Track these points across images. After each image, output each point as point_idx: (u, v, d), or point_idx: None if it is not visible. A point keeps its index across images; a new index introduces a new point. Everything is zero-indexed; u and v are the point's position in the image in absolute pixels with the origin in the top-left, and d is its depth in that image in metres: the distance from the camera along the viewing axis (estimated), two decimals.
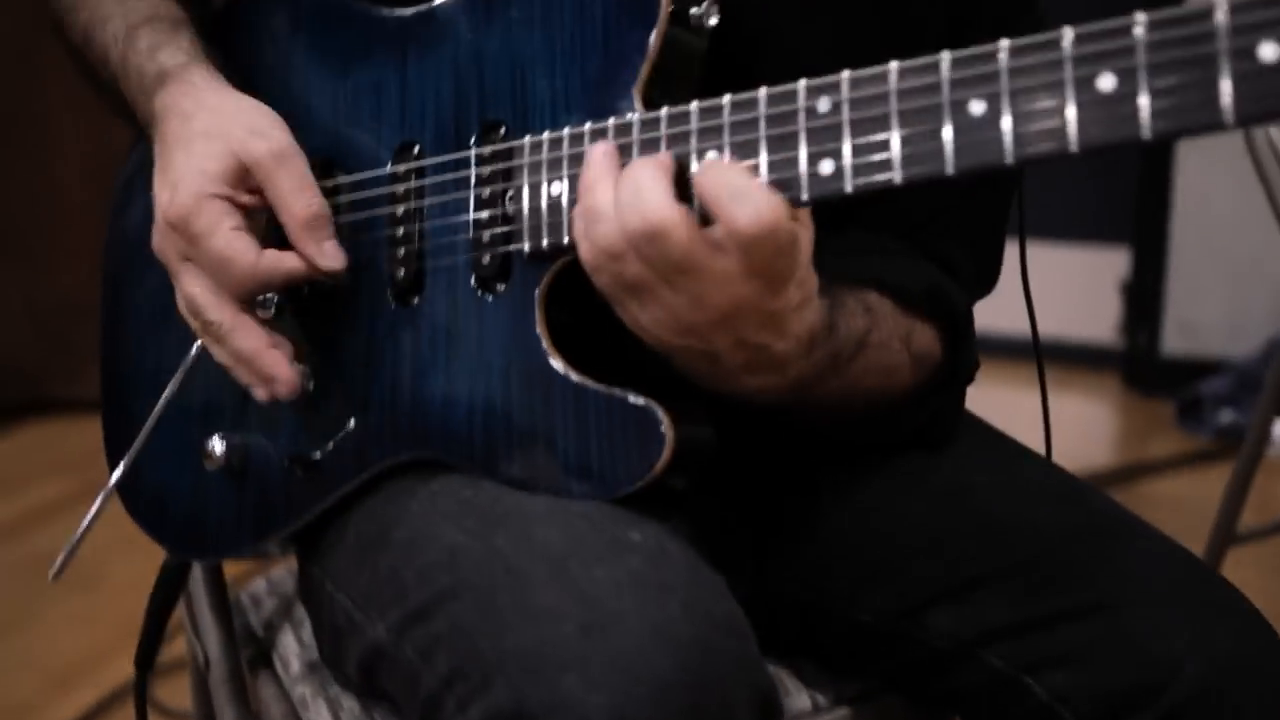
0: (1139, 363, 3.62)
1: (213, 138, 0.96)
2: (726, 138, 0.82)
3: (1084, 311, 3.68)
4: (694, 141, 0.83)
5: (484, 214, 0.94)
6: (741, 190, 0.78)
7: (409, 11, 1.01)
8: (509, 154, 0.93)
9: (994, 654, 0.97)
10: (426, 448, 0.97)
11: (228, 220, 0.95)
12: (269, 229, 0.98)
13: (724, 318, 0.83)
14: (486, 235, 0.94)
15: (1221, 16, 0.66)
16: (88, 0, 1.10)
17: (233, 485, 1.06)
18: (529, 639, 0.79)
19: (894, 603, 1.01)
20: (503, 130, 0.95)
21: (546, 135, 0.91)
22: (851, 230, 1.04)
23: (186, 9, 1.09)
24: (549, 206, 0.90)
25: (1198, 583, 0.97)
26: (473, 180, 0.95)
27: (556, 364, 0.91)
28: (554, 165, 0.90)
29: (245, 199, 0.96)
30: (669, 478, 0.87)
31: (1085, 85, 0.69)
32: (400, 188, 0.99)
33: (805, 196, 0.79)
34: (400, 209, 0.99)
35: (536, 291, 0.92)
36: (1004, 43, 0.72)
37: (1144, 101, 0.68)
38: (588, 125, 0.88)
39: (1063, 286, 3.51)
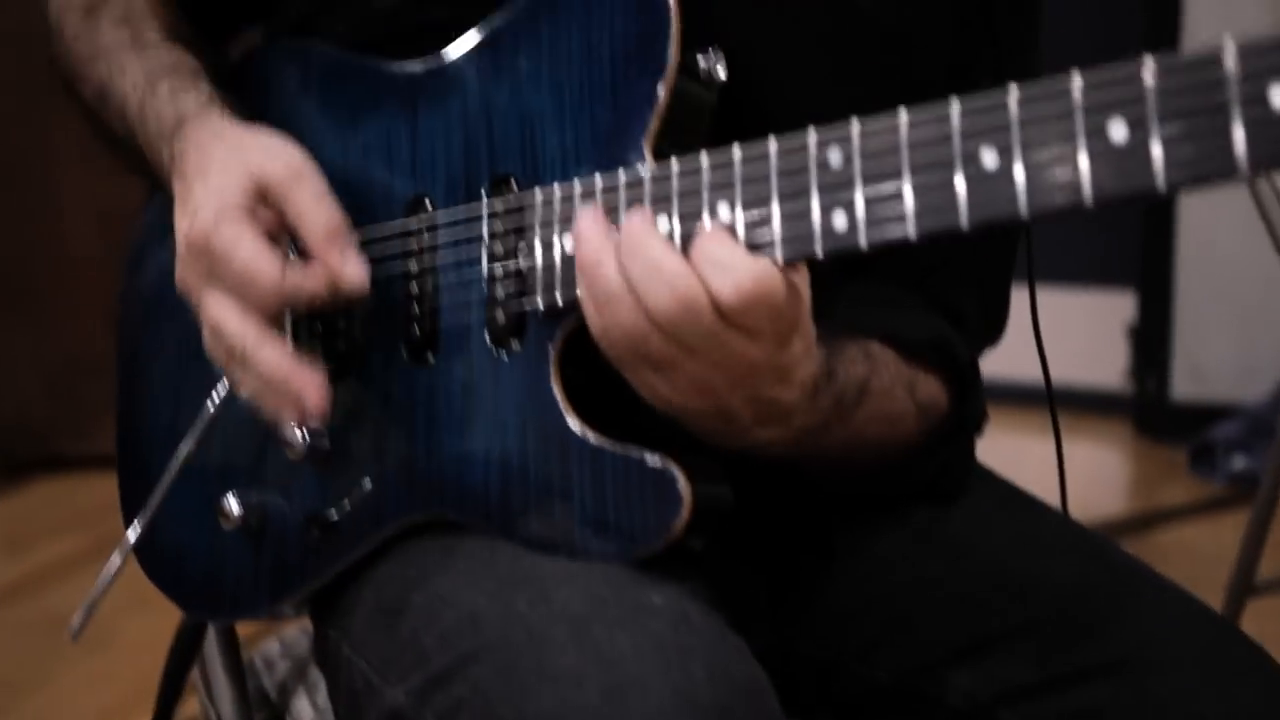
0: (1149, 408, 3.61)
1: (230, 164, 0.96)
2: (738, 191, 0.81)
3: (1091, 357, 3.67)
4: (705, 195, 0.83)
5: (497, 269, 0.94)
6: (721, 261, 0.79)
7: (419, 66, 1.01)
8: (520, 208, 0.93)
9: (1012, 713, 0.96)
10: (443, 507, 0.97)
11: (249, 235, 0.94)
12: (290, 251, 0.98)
13: (740, 379, 0.83)
14: (500, 291, 0.94)
15: (1231, 62, 0.65)
16: (105, 52, 1.11)
17: (249, 545, 1.06)
18: (551, 703, 0.78)
19: (910, 661, 1.01)
20: (513, 184, 0.95)
21: (557, 189, 0.91)
22: (856, 281, 1.04)
23: (203, 61, 1.10)
24: (561, 261, 0.90)
25: (1219, 640, 0.96)
26: (484, 235, 0.95)
27: (573, 423, 0.90)
28: (565, 219, 0.90)
29: (265, 216, 0.96)
30: (687, 538, 0.87)
31: (1097, 135, 0.69)
32: (413, 243, 0.99)
33: (819, 251, 0.79)
34: (413, 265, 0.99)
35: (551, 349, 0.91)
36: (1013, 91, 0.72)
37: (1157, 151, 0.67)
38: (598, 178, 0.88)
39: (1069, 331, 3.50)
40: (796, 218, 0.79)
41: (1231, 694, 0.91)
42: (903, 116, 0.76)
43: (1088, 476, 3.29)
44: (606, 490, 0.89)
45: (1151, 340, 3.60)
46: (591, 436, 0.90)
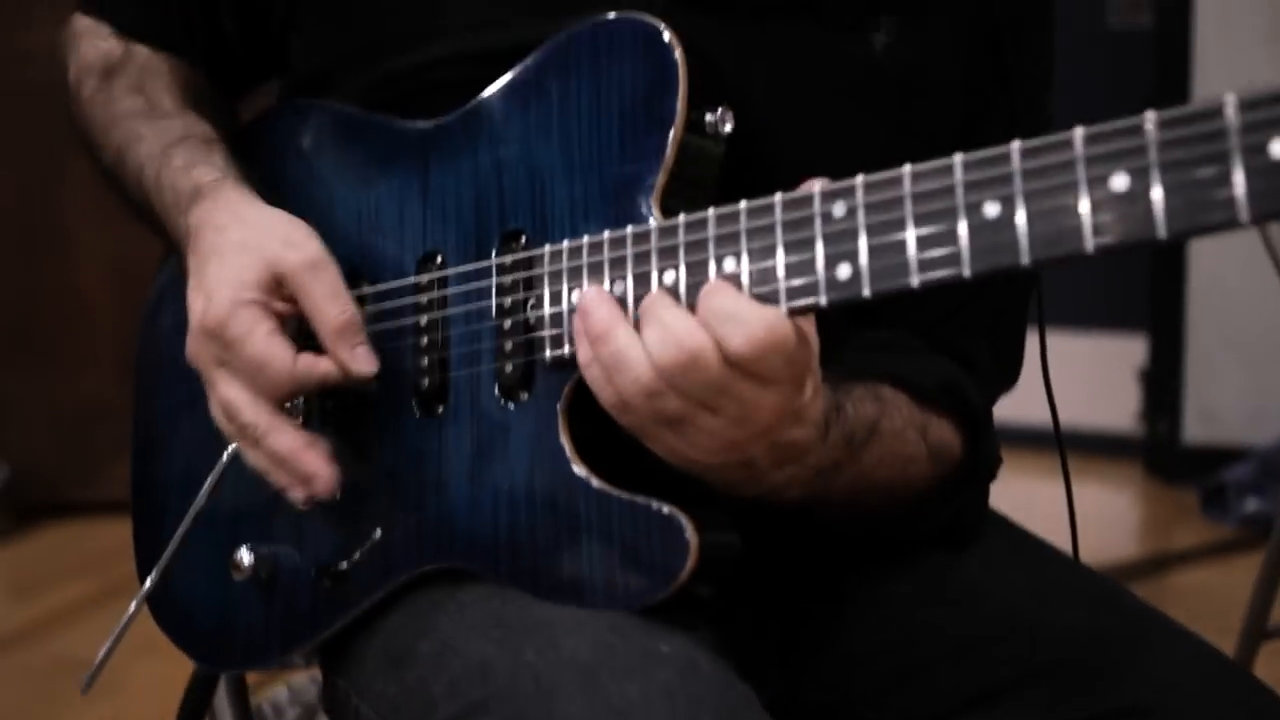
0: (1160, 451, 3.60)
1: (247, 249, 0.97)
2: (744, 244, 0.82)
3: (1103, 400, 3.67)
4: (712, 249, 0.84)
5: (506, 322, 0.95)
6: (730, 313, 0.80)
7: (429, 123, 1.03)
8: (529, 263, 0.94)
9: None
10: (452, 557, 0.97)
11: (263, 324, 0.96)
12: (300, 338, 0.99)
13: (761, 429, 0.84)
14: (509, 344, 0.94)
15: (1232, 113, 0.66)
16: (121, 120, 1.12)
17: (260, 596, 1.06)
18: None
19: (922, 708, 1.01)
20: (523, 239, 0.96)
21: (566, 244, 0.92)
22: (866, 328, 1.05)
23: (216, 126, 1.11)
24: (569, 314, 0.90)
25: (1233, 687, 0.96)
26: (494, 290, 0.96)
27: (581, 472, 0.91)
28: (574, 274, 0.91)
29: (279, 307, 0.97)
30: (695, 586, 0.87)
31: (1099, 185, 0.70)
32: (424, 297, 1.00)
33: (824, 301, 0.80)
34: (424, 319, 1.00)
35: (559, 400, 0.92)
36: (1016, 144, 0.73)
37: (1158, 201, 0.68)
38: (606, 234, 0.89)
39: (1080, 375, 3.50)
40: (801, 269, 0.80)
41: None
42: (906, 169, 0.77)
43: (1099, 519, 3.28)
44: (614, 538, 0.89)
45: (1162, 383, 3.60)
46: (598, 484, 0.90)
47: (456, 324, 0.98)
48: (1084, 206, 0.70)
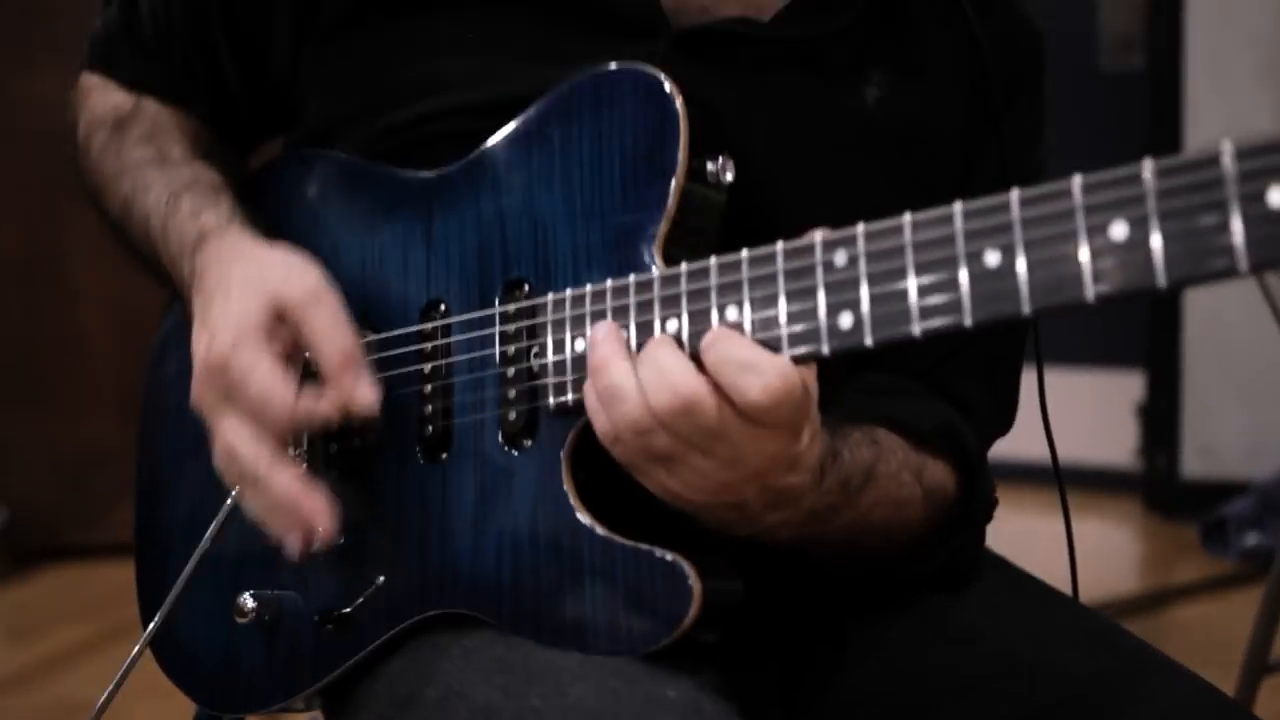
0: (1159, 486, 3.60)
1: (249, 283, 0.97)
2: (746, 293, 0.83)
3: (1101, 435, 3.67)
4: (714, 297, 0.84)
5: (510, 370, 0.95)
6: (748, 362, 0.80)
7: (432, 173, 1.03)
8: (533, 311, 0.94)
9: None
10: (456, 603, 0.97)
11: (265, 361, 0.95)
12: (306, 376, 0.98)
13: (755, 473, 0.84)
14: (512, 392, 0.95)
15: (1229, 162, 0.67)
16: (130, 169, 1.13)
17: (264, 640, 1.06)
18: None
19: None
20: (526, 287, 0.96)
21: (569, 292, 0.92)
22: (863, 371, 1.05)
23: (225, 174, 1.12)
24: (573, 361, 0.91)
25: None
26: (498, 338, 0.96)
27: (584, 519, 0.91)
28: (577, 322, 0.91)
29: (281, 340, 0.97)
30: (698, 632, 0.87)
31: (1098, 234, 0.70)
32: (428, 345, 1.00)
33: (826, 350, 0.80)
34: (428, 366, 1.00)
35: (563, 447, 0.93)
36: (1015, 193, 0.74)
37: (1158, 250, 0.68)
38: (609, 282, 0.90)
39: (1078, 411, 3.50)
40: (803, 317, 0.81)
41: None
42: (906, 218, 0.77)
43: (1099, 555, 3.28)
44: (618, 585, 0.89)
45: (1160, 419, 3.60)
46: (602, 532, 0.90)
47: (460, 371, 0.99)
48: (1084, 255, 0.71)
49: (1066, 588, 1.19)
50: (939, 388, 1.08)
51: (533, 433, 0.94)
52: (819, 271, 0.80)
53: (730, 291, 0.83)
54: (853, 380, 1.04)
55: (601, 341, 0.86)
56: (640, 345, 0.86)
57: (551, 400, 0.92)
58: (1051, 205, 0.72)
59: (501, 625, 0.95)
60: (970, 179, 1.09)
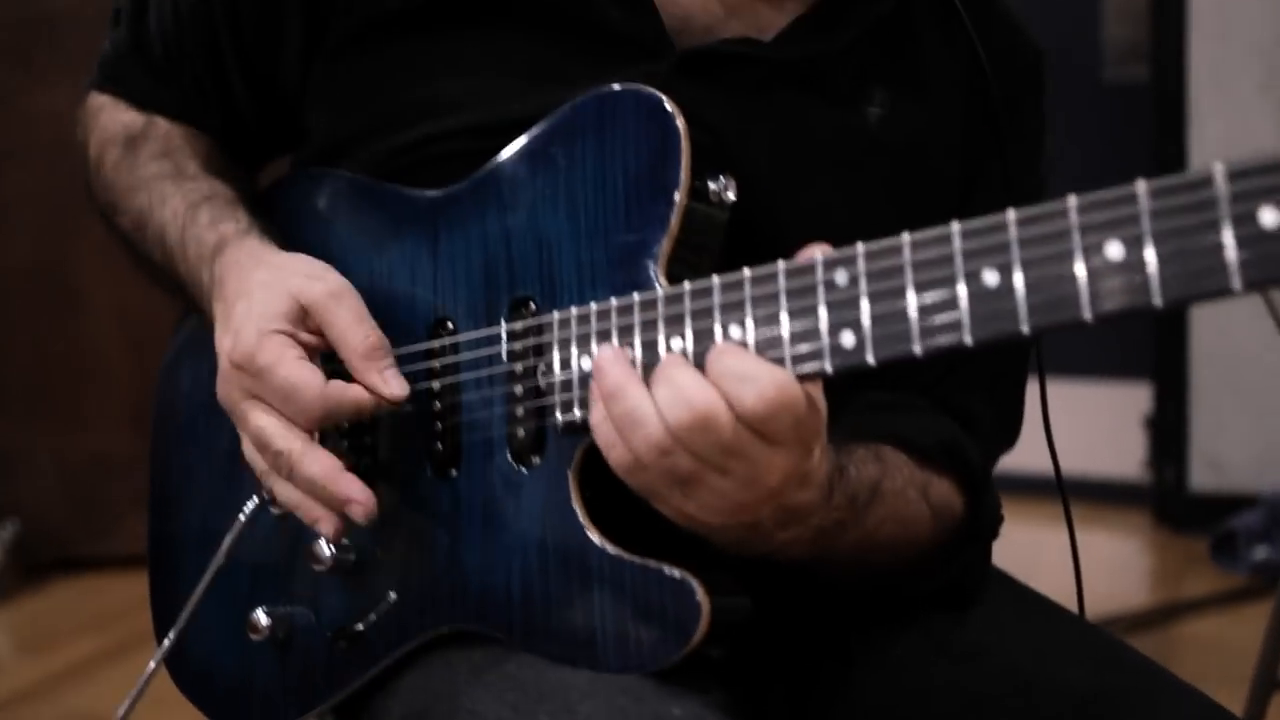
0: (1168, 499, 3.59)
1: (271, 285, 0.99)
2: (749, 311, 0.84)
3: (1109, 448, 3.67)
4: (717, 316, 0.85)
5: (517, 388, 0.96)
6: (742, 372, 0.81)
7: (439, 192, 1.04)
8: (539, 329, 0.95)
9: None
10: (467, 620, 0.98)
11: (291, 351, 0.97)
12: (329, 372, 0.99)
13: (768, 491, 0.85)
14: (520, 409, 0.96)
15: (1221, 183, 0.67)
16: (146, 183, 1.14)
17: (277, 657, 1.07)
18: None
19: None
20: (532, 305, 0.97)
21: (574, 311, 0.93)
22: (866, 387, 1.06)
23: (238, 189, 1.13)
24: (580, 379, 0.92)
25: None
26: (505, 355, 0.97)
27: (593, 536, 0.92)
28: (583, 340, 0.92)
29: (305, 338, 0.98)
30: (706, 648, 0.88)
31: (1095, 253, 0.71)
32: (436, 363, 1.02)
33: (829, 368, 0.81)
34: (436, 384, 1.01)
35: (571, 464, 0.93)
36: (1012, 213, 0.75)
37: (1153, 269, 0.69)
38: (613, 301, 0.91)
39: (1086, 423, 3.49)
40: (805, 336, 0.82)
41: None
42: (905, 238, 0.78)
43: (1108, 568, 3.27)
44: (627, 602, 0.90)
45: (1168, 431, 3.59)
46: (611, 549, 0.91)
47: (468, 389, 1.00)
48: (1081, 274, 0.71)
49: (1074, 601, 1.20)
50: (943, 403, 1.09)
51: (541, 450, 0.95)
52: (820, 290, 0.81)
53: (733, 310, 0.84)
54: (856, 397, 1.05)
55: (609, 367, 0.86)
56: (646, 364, 0.87)
57: (559, 417, 0.93)
58: (1048, 225, 0.73)
59: (511, 642, 0.96)
60: (972, 195, 1.10)
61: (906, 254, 0.78)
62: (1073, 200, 0.72)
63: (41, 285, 3.32)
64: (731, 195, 0.94)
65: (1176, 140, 3.38)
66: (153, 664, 1.08)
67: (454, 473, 1.00)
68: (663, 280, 0.91)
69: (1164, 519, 3.60)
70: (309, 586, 1.06)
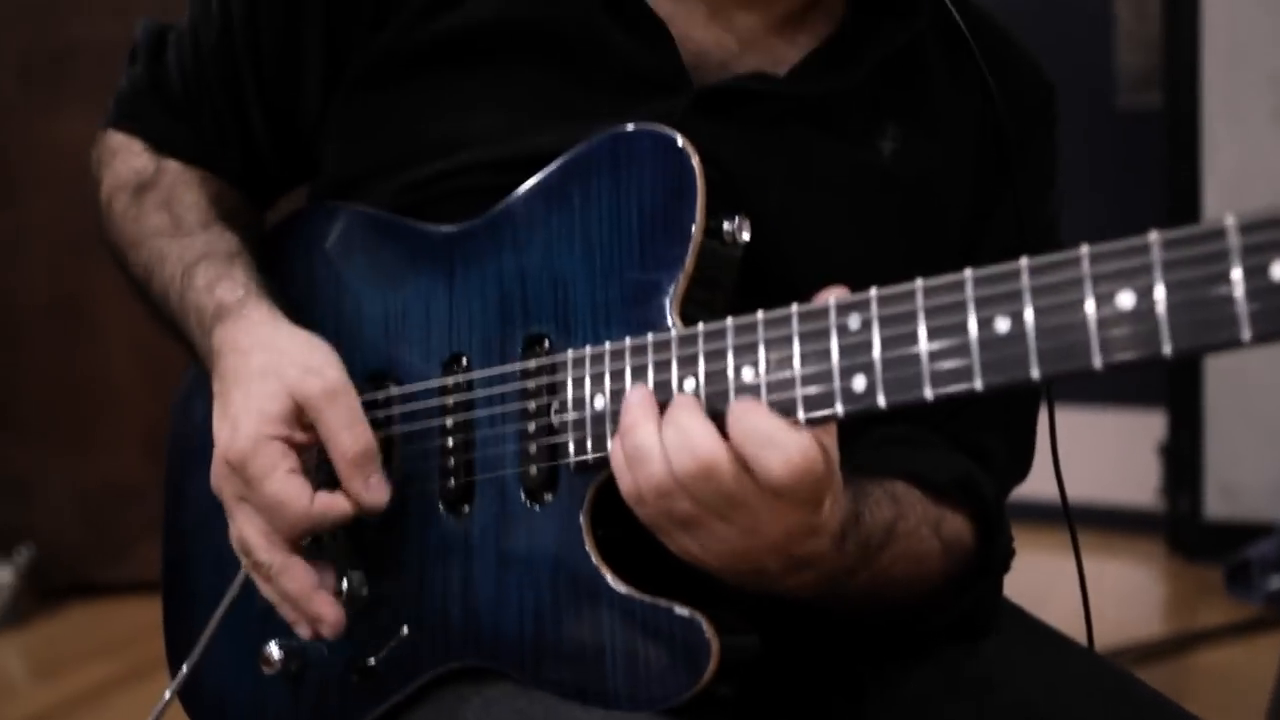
0: (1182, 527, 3.58)
1: (269, 376, 0.99)
2: (762, 354, 0.84)
3: (1124, 475, 3.66)
4: (730, 358, 0.85)
5: (530, 426, 0.97)
6: (770, 437, 0.81)
7: (454, 227, 1.05)
8: (553, 368, 0.96)
9: None
10: (479, 656, 0.99)
11: (284, 464, 0.98)
12: (319, 463, 1.01)
13: (775, 544, 0.85)
14: (533, 447, 0.96)
15: (1233, 235, 0.68)
16: (147, 238, 1.14)
17: (290, 690, 1.08)
18: None
19: None
20: (546, 343, 0.98)
21: (588, 350, 0.94)
22: (882, 423, 1.06)
23: (241, 238, 1.13)
24: (593, 418, 0.92)
25: None
26: (519, 393, 0.98)
27: (604, 573, 0.92)
28: (596, 379, 0.93)
29: (300, 437, 0.99)
30: (715, 686, 0.88)
31: (1106, 303, 0.71)
32: (450, 399, 1.02)
33: (841, 412, 0.81)
34: (450, 420, 1.02)
35: (583, 503, 0.94)
36: (1024, 261, 0.75)
37: (1163, 320, 0.70)
38: (628, 340, 0.91)
39: (1101, 450, 3.49)
40: (817, 379, 0.82)
41: None
42: (919, 284, 0.79)
43: (1122, 597, 3.26)
44: (637, 640, 0.91)
45: (1183, 459, 3.58)
46: (622, 588, 0.92)
47: (482, 426, 1.00)
48: (1091, 323, 0.72)
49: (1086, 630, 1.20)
50: (955, 438, 1.09)
51: (554, 487, 0.96)
52: (833, 334, 0.81)
53: (746, 352, 0.85)
54: (869, 431, 1.05)
55: (635, 405, 0.87)
56: (660, 404, 0.87)
57: (572, 456, 0.94)
58: (1060, 274, 0.73)
59: (523, 678, 0.96)
60: (983, 230, 1.10)
61: (919, 299, 0.78)
62: (1085, 249, 0.72)
63: (59, 314, 3.33)
64: (745, 234, 0.95)
65: (1190, 167, 3.38)
66: (167, 695, 1.09)
67: (467, 509, 1.00)
68: (677, 319, 0.92)
69: (1178, 547, 3.58)
70: None
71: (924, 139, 1.08)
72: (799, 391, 0.82)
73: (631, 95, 1.03)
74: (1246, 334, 0.67)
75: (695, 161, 0.93)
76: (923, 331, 0.78)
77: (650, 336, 0.90)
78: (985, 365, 0.76)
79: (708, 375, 0.86)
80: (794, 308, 0.84)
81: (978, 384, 0.76)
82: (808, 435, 0.82)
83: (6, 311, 3.35)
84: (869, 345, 0.80)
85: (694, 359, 0.87)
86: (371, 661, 1.03)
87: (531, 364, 0.97)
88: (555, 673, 0.94)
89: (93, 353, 3.33)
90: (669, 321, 0.92)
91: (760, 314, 0.85)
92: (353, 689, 1.04)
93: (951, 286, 0.77)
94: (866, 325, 0.80)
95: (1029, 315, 0.74)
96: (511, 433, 0.98)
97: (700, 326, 0.88)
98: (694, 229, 0.92)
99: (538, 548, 0.96)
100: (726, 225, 0.94)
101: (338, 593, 1.01)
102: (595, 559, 0.93)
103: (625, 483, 0.87)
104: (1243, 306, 0.67)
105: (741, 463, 0.82)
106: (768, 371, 0.84)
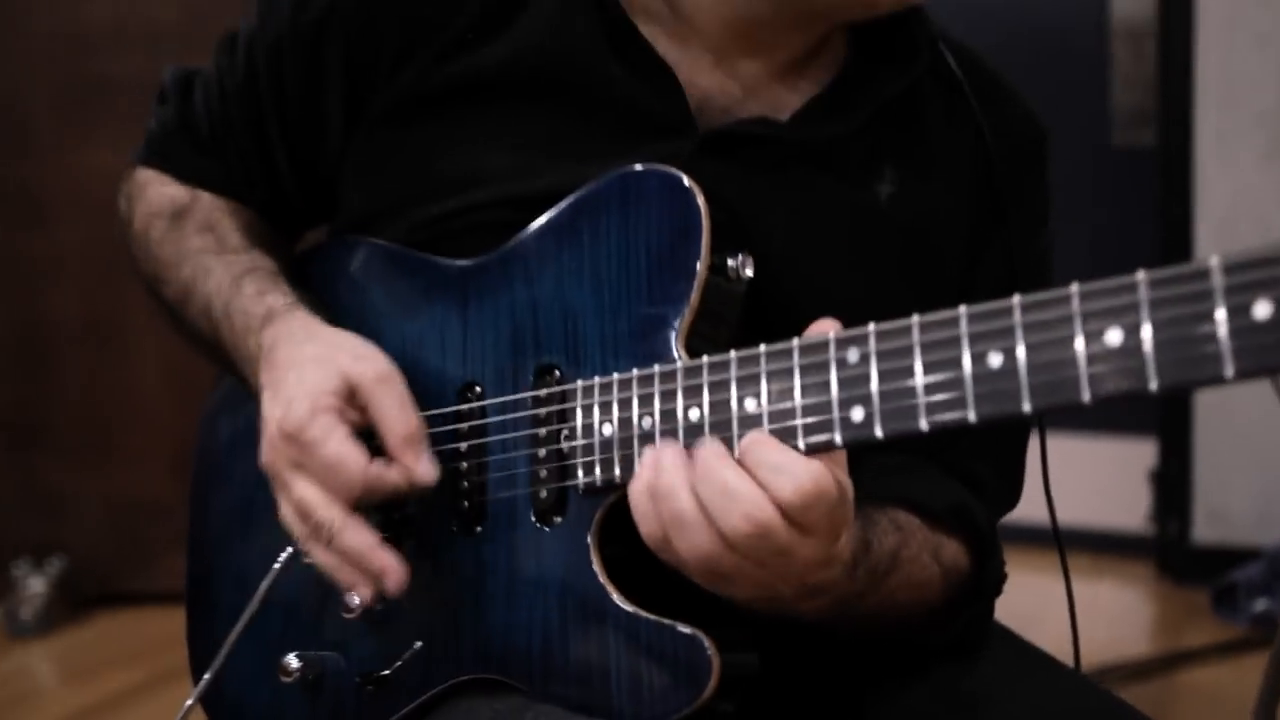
0: (1171, 551, 3.57)
1: (323, 361, 0.99)
2: (764, 386, 0.85)
3: (1116, 501, 3.65)
4: (734, 389, 0.86)
5: (541, 451, 0.97)
6: (779, 464, 0.82)
7: (470, 261, 1.05)
8: (563, 396, 0.96)
9: None
10: (489, 669, 0.99)
11: (339, 429, 0.97)
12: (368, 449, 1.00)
13: (794, 575, 0.86)
14: (543, 471, 0.97)
15: (1217, 276, 0.68)
16: (190, 257, 1.15)
17: (307, 699, 1.08)
18: None
19: None
20: (557, 373, 0.98)
21: (597, 380, 0.94)
22: (881, 451, 1.06)
23: (279, 261, 1.14)
24: (600, 445, 0.93)
25: None
26: (530, 420, 0.98)
27: (611, 592, 0.93)
28: (605, 408, 0.93)
29: (352, 415, 0.99)
30: (717, 703, 0.89)
31: (1095, 339, 0.72)
32: (464, 425, 1.02)
33: (839, 441, 0.82)
34: (464, 445, 1.02)
35: (591, 525, 0.94)
36: (1016, 298, 0.75)
37: (1150, 356, 0.70)
38: (635, 371, 0.92)
39: (1093, 477, 3.48)
40: (817, 410, 0.82)
41: None
42: (915, 320, 0.79)
43: (1112, 618, 3.25)
44: (642, 657, 0.91)
45: (1172, 485, 3.57)
46: (629, 607, 0.92)
47: (494, 450, 1.01)
48: (1081, 359, 0.72)
49: (1081, 651, 1.21)
50: (949, 467, 1.09)
51: (563, 510, 0.96)
52: (833, 367, 0.82)
53: (749, 384, 0.85)
54: (868, 460, 1.05)
55: (670, 469, 0.85)
56: (665, 433, 0.88)
57: (580, 481, 0.94)
58: (1051, 311, 0.74)
59: (532, 692, 0.96)
60: (978, 267, 1.10)
61: (915, 335, 0.79)
62: (1075, 288, 0.73)
63: (91, 337, 3.34)
64: (749, 271, 0.95)
65: (1183, 203, 3.37)
66: (190, 700, 1.09)
67: (479, 529, 1.01)
68: (682, 352, 0.92)
69: (1167, 570, 3.57)
70: (339, 632, 1.06)
71: (920, 181, 1.09)
72: (799, 421, 0.83)
73: (639, 137, 1.04)
74: (1230, 371, 0.68)
75: (701, 201, 0.94)
76: (919, 365, 0.78)
77: (657, 368, 0.91)
78: (978, 398, 0.76)
79: (712, 405, 0.87)
80: (795, 341, 0.84)
81: (971, 416, 0.76)
82: (818, 464, 0.82)
83: (41, 334, 3.37)
84: (867, 378, 0.80)
85: (699, 390, 0.88)
86: (386, 672, 1.03)
87: (542, 393, 0.98)
88: (562, 687, 0.94)
89: (123, 374, 3.34)
90: (674, 354, 0.92)
91: (763, 347, 0.85)
92: (367, 699, 1.04)
93: (946, 323, 0.78)
94: (865, 359, 0.81)
95: (1021, 351, 0.74)
96: (523, 457, 0.98)
97: (705, 359, 0.88)
98: (699, 265, 0.93)
99: (547, 567, 0.96)
100: (730, 262, 0.95)
101: (356, 604, 1.01)
102: (602, 578, 0.93)
103: (649, 526, 0.86)
104: (1226, 344, 0.67)
105: (788, 516, 0.82)
106: (769, 402, 0.84)
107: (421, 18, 1.08)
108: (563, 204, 1.00)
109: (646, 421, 0.90)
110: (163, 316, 1.20)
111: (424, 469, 0.98)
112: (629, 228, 0.96)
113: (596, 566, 0.93)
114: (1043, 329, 0.74)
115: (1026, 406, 0.74)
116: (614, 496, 0.93)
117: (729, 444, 0.85)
